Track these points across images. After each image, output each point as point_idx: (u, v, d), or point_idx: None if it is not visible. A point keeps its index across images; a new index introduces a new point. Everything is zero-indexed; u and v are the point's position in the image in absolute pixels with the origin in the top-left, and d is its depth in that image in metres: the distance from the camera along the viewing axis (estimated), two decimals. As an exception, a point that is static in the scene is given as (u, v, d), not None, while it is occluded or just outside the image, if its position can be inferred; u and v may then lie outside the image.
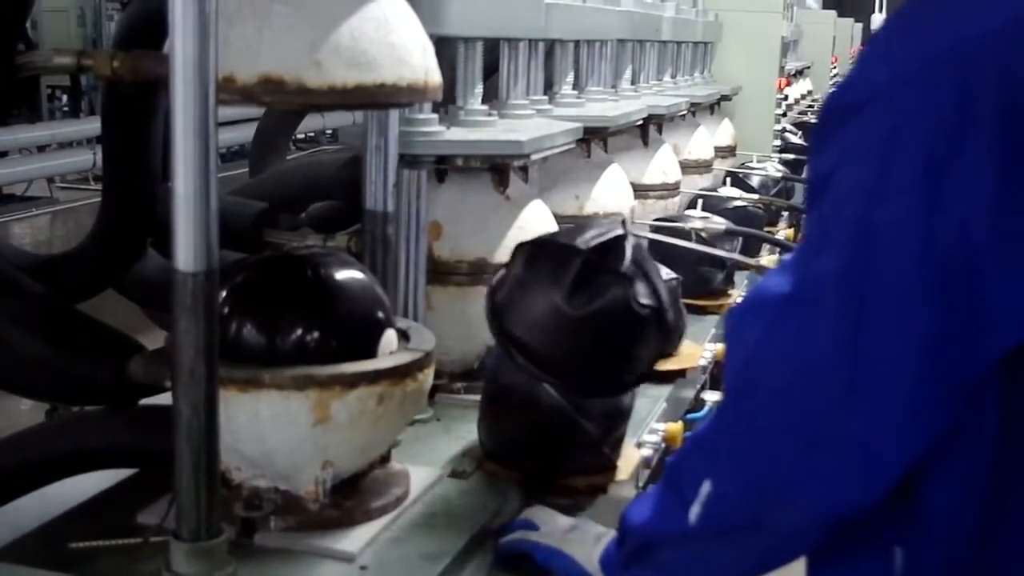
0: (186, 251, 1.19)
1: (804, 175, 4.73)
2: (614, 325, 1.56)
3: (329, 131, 11.09)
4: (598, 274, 1.57)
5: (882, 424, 0.98)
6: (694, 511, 1.11)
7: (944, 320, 0.95)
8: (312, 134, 11.32)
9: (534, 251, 1.64)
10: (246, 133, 5.41)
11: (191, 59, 1.16)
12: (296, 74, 1.34)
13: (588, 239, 1.60)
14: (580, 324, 1.55)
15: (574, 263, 1.56)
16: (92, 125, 8.88)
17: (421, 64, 1.47)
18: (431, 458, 1.75)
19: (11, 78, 1.53)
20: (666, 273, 2.29)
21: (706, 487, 1.10)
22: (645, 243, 1.80)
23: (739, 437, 1.07)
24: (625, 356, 1.59)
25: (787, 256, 1.37)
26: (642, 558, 1.24)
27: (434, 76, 1.51)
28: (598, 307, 1.55)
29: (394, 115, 1.80)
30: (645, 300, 1.56)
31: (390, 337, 1.52)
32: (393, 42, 1.42)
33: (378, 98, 1.42)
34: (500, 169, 2.06)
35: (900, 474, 1.00)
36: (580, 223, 1.82)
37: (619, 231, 1.62)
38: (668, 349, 1.63)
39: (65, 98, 11.49)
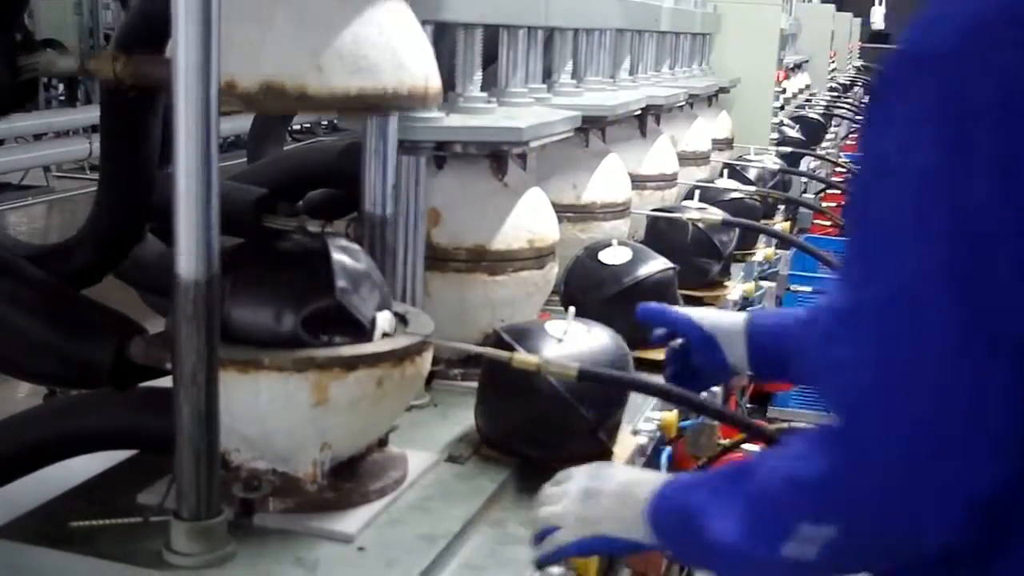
0: (188, 257, 1.20)
1: (801, 167, 4.73)
2: None
3: (325, 122, 11.06)
4: None
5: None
6: (790, 548, 1.02)
7: None
8: (308, 124, 11.30)
9: None
10: (242, 124, 5.39)
11: (194, 66, 1.16)
12: (298, 80, 1.35)
13: None
14: None
15: None
16: (88, 114, 8.86)
17: (422, 70, 1.48)
18: (428, 443, 1.75)
19: (13, 79, 1.53)
20: (662, 263, 2.31)
21: (808, 530, 1.01)
22: None
23: (850, 480, 0.98)
24: None
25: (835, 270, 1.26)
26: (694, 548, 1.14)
27: (434, 81, 1.51)
28: None
29: (394, 102, 1.80)
30: None
31: (385, 317, 1.52)
32: (395, 47, 1.42)
33: (379, 104, 1.43)
34: (499, 156, 2.07)
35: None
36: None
37: None
38: None
39: (61, 87, 11.45)
